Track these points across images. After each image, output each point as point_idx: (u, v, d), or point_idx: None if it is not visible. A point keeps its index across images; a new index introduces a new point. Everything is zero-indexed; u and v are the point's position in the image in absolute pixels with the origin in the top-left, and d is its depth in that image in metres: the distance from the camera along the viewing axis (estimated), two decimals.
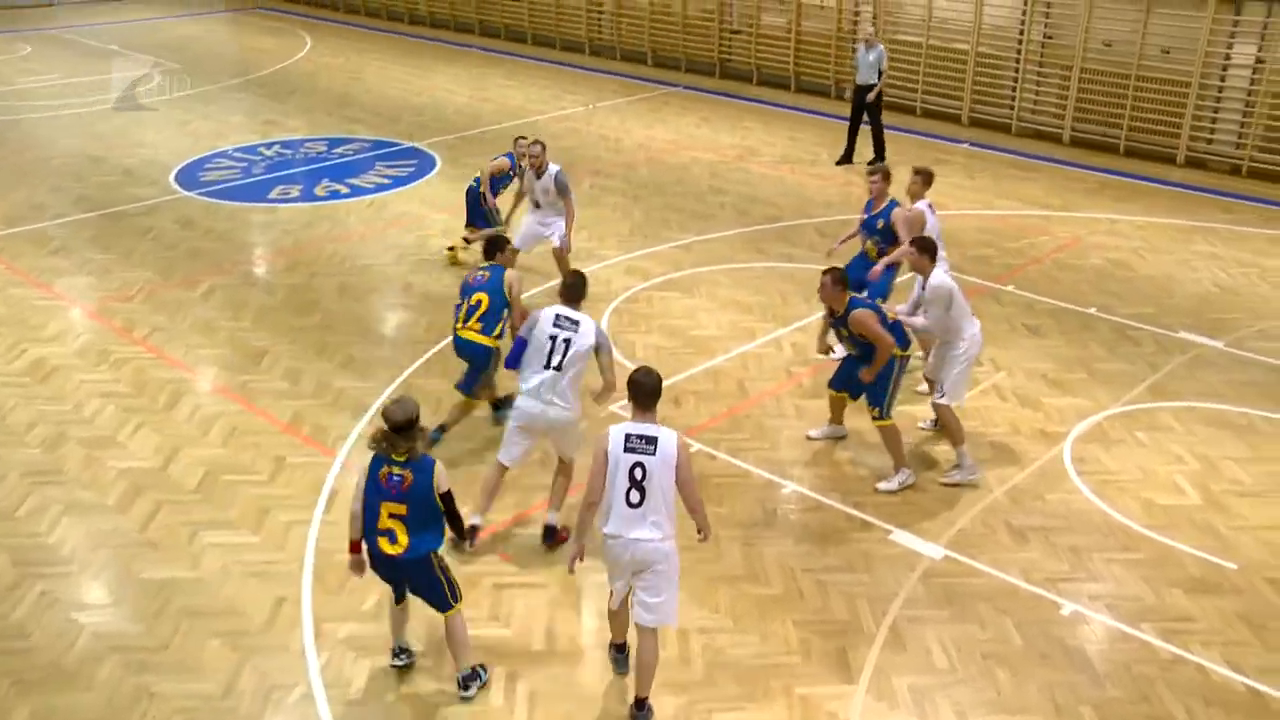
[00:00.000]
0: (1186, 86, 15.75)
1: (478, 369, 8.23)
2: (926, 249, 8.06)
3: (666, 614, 5.87)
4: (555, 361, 7.12)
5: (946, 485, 8.11)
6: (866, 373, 7.87)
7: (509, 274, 8.11)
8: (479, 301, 8.05)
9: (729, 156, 16.23)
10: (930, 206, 9.41)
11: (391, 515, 5.80)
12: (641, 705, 6.02)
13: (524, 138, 11.57)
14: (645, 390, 5.77)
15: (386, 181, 14.85)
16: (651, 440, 5.70)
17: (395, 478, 5.79)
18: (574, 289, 7.28)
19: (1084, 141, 16.93)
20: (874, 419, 8.04)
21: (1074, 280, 11.87)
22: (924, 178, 9.51)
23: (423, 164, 15.67)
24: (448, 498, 5.84)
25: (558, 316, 7.17)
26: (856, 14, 19.39)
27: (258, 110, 18.42)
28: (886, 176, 9.51)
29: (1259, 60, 15.28)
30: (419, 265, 12.05)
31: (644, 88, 20.35)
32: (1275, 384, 9.65)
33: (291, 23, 26.02)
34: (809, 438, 8.67)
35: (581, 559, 5.98)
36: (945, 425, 8.19)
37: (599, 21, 22.81)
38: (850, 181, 15.09)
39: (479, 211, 11.85)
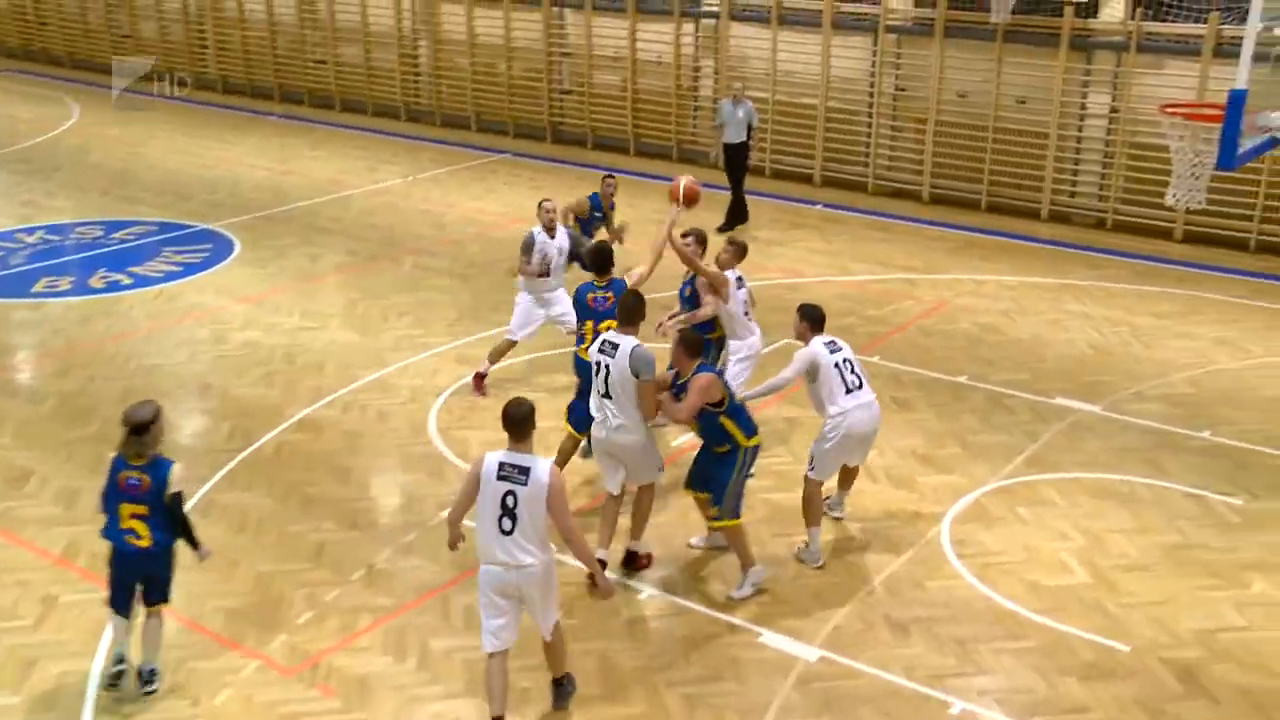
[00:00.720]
0: (1045, 138, 16.81)
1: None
2: (808, 317, 8.45)
3: (554, 620, 6.79)
4: (602, 388, 7.88)
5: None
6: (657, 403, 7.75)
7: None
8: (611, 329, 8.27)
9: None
10: (740, 279, 9.64)
11: (134, 515, 6.83)
12: (560, 682, 7.01)
13: (611, 177, 12.77)
14: (515, 420, 6.49)
15: (176, 269, 14.46)
16: (525, 470, 6.41)
17: (133, 480, 6.81)
18: (631, 309, 7.98)
19: (944, 199, 17.81)
20: (710, 519, 7.93)
21: (942, 347, 12.34)
22: (737, 249, 9.71)
23: (219, 248, 15.32)
24: (176, 500, 6.84)
25: (603, 342, 7.94)
26: (697, 70, 20.08)
27: (14, 190, 17.75)
28: (701, 240, 9.80)
29: (1114, 109, 16.46)
30: (218, 363, 11.72)
31: (468, 155, 20.49)
32: (1154, 448, 10.20)
33: (55, 88, 25.25)
34: (690, 546, 8.61)
35: (456, 545, 6.79)
36: (805, 500, 8.34)
37: (415, 84, 22.96)
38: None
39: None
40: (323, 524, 8.95)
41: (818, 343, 8.39)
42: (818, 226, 16.69)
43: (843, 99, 18.62)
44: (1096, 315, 13.31)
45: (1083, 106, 16.80)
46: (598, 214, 12.49)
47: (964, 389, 11.30)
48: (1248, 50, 7.56)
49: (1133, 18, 15.81)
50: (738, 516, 7.94)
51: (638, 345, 7.81)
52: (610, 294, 9.05)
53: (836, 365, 8.31)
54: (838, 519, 9.01)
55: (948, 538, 8.79)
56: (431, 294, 13.68)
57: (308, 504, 9.23)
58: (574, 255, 10.91)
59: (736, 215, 16.27)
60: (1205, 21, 15.18)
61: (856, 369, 8.42)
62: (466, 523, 6.73)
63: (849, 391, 8.32)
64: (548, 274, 10.93)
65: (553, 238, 10.91)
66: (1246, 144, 8.11)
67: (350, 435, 10.32)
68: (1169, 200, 9.48)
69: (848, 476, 8.99)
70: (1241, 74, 7.61)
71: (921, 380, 11.49)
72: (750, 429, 7.88)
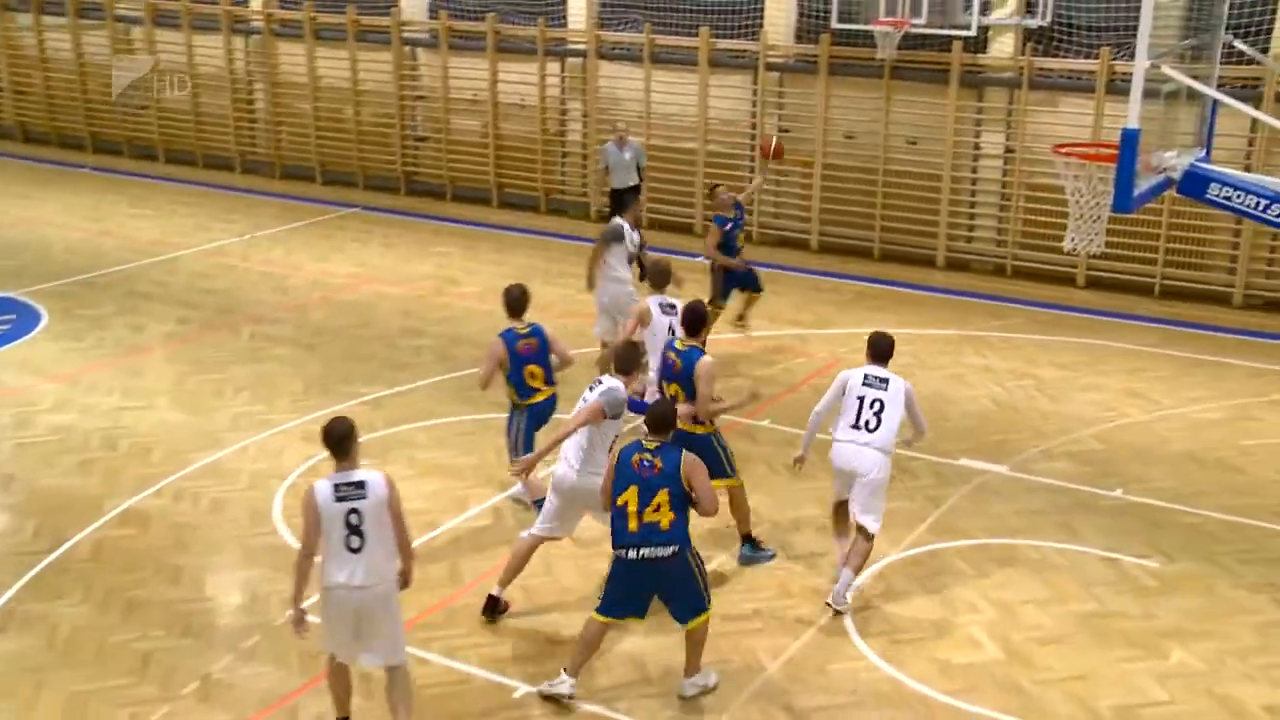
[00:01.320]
0: (938, 180, 17.36)
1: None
2: (869, 343, 9.31)
3: (400, 650, 7.37)
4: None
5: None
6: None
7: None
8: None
9: (424, 289, 16.31)
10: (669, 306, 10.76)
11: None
12: None
13: (719, 185, 13.99)
14: (335, 437, 7.13)
15: None
16: (360, 484, 7.09)
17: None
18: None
19: (834, 247, 18.20)
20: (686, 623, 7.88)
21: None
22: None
23: (23, 319, 14.84)
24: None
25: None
26: (564, 113, 20.27)
27: None
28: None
29: (1009, 149, 17.09)
30: (22, 452, 11.29)
31: (313, 210, 20.30)
32: (1065, 509, 10.48)
33: None
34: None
35: (302, 621, 7.15)
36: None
37: (251, 133, 22.70)
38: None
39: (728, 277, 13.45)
40: (150, 631, 8.64)
41: (859, 371, 9.08)
42: (699, 280, 16.87)
43: (724, 142, 18.98)
44: (999, 368, 13.69)
45: (976, 146, 17.43)
46: (738, 213, 13.70)
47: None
48: (1137, 87, 7.90)
49: (1023, 52, 16.50)
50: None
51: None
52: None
53: (860, 398, 8.94)
54: (839, 612, 8.90)
55: (850, 615, 8.85)
56: (273, 365, 13.44)
57: (132, 609, 8.90)
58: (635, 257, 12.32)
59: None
60: (1097, 56, 15.93)
61: (883, 414, 8.87)
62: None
63: (854, 426, 8.94)
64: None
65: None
66: (1142, 185, 8.45)
67: (181, 528, 10.02)
68: (1067, 246, 9.84)
69: (856, 547, 8.97)
70: (1133, 112, 7.94)
71: (816, 444, 11.62)
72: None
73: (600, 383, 8.76)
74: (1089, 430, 12.02)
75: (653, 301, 10.73)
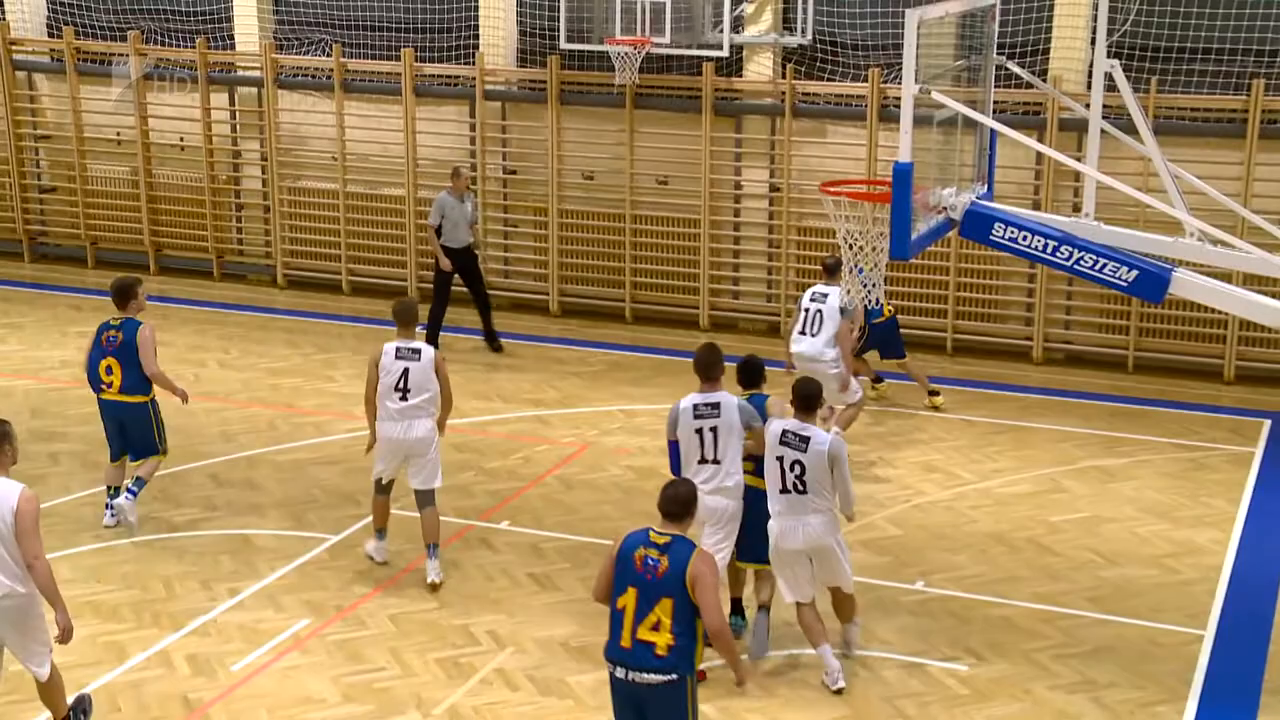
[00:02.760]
0: (696, 226, 17.93)
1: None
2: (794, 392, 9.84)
3: (44, 660, 8.57)
4: (709, 455, 9.77)
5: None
6: None
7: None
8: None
9: (61, 380, 15.87)
10: None
11: None
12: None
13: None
14: None
15: None
16: None
17: None
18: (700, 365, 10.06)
19: (578, 309, 18.57)
20: None
21: (591, 502, 12.81)
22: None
23: None
24: None
25: (696, 406, 9.86)
26: (237, 155, 20.09)
27: None
28: None
29: (773, 188, 17.85)
30: None
31: None
32: (864, 609, 10.87)
33: None
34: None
35: None
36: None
37: None
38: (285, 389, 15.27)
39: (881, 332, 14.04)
40: None
41: (777, 424, 9.53)
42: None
43: (437, 186, 19.13)
44: None
45: (737, 185, 18.13)
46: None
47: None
48: (907, 115, 8.48)
49: (783, 75, 17.32)
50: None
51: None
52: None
53: (779, 458, 9.43)
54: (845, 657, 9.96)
55: None
56: None
57: None
58: None
59: (491, 336, 17.23)
60: (866, 79, 16.85)
61: (806, 477, 9.41)
62: None
63: (782, 491, 9.44)
64: None
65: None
66: (921, 227, 9.05)
67: None
68: (841, 299, 10.37)
69: (840, 604, 10.09)
70: (904, 144, 8.51)
71: (566, 549, 11.82)
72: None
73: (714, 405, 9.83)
74: (882, 514, 12.58)
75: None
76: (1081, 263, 8.98)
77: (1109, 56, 9.56)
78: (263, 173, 19.83)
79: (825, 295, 13.37)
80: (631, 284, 18.41)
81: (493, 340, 17.30)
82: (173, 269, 20.39)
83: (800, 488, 9.42)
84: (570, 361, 16.97)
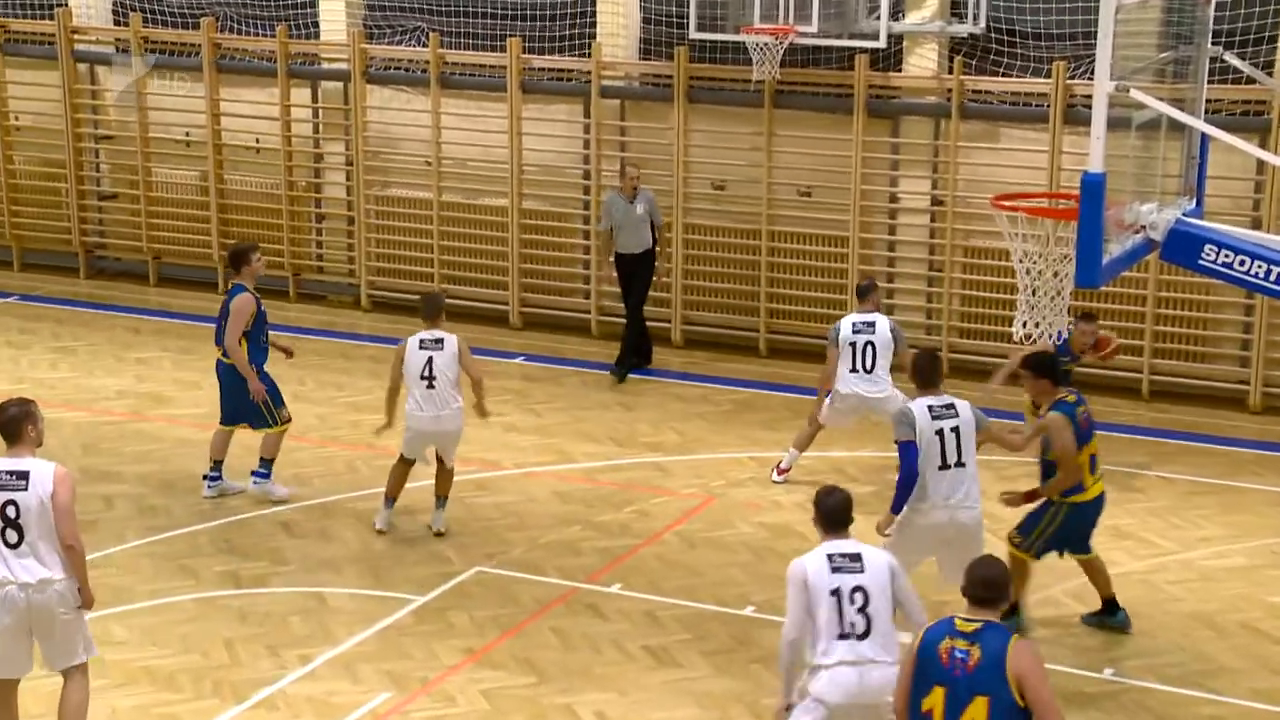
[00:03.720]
0: (844, 245, 17.74)
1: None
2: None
3: (77, 650, 9.17)
4: (955, 458, 10.51)
5: None
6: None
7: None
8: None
9: (118, 413, 16.12)
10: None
11: None
12: None
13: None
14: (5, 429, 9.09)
15: None
16: (23, 475, 8.91)
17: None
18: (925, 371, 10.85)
19: (702, 340, 18.45)
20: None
21: (717, 565, 12.64)
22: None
23: None
24: None
25: (930, 407, 10.65)
26: (319, 159, 20.26)
27: None
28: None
29: (936, 201, 17.61)
30: None
31: None
32: None
33: None
34: None
35: None
36: None
37: None
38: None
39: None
40: None
41: (817, 554, 8.42)
42: (519, 389, 16.91)
43: (545, 196, 19.18)
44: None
45: (893, 199, 17.93)
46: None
47: (753, 626, 11.55)
48: (1100, 117, 8.23)
49: (950, 70, 17.11)
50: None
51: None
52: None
53: (835, 592, 8.29)
54: None
55: None
56: None
57: None
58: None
59: (638, 352, 17.50)
60: (1048, 74, 16.56)
61: (870, 607, 8.30)
62: None
63: (841, 637, 8.27)
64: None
65: None
66: (1114, 249, 8.79)
67: None
68: (1017, 332, 10.13)
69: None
70: (1095, 150, 8.27)
71: (687, 617, 11.68)
72: None
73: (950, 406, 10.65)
74: (1062, 587, 12.28)
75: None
76: None
77: None
78: (347, 179, 19.96)
79: (871, 324, 13.66)
80: (767, 311, 18.26)
81: (621, 366, 17.40)
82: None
83: (862, 628, 8.38)
84: (694, 400, 16.84)
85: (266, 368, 13.69)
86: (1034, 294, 10.09)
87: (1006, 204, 10.23)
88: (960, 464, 10.55)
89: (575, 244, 19.14)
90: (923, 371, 10.87)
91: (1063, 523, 11.20)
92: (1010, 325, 10.57)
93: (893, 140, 17.78)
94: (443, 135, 19.20)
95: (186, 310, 19.75)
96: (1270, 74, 15.21)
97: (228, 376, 13.62)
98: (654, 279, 17.46)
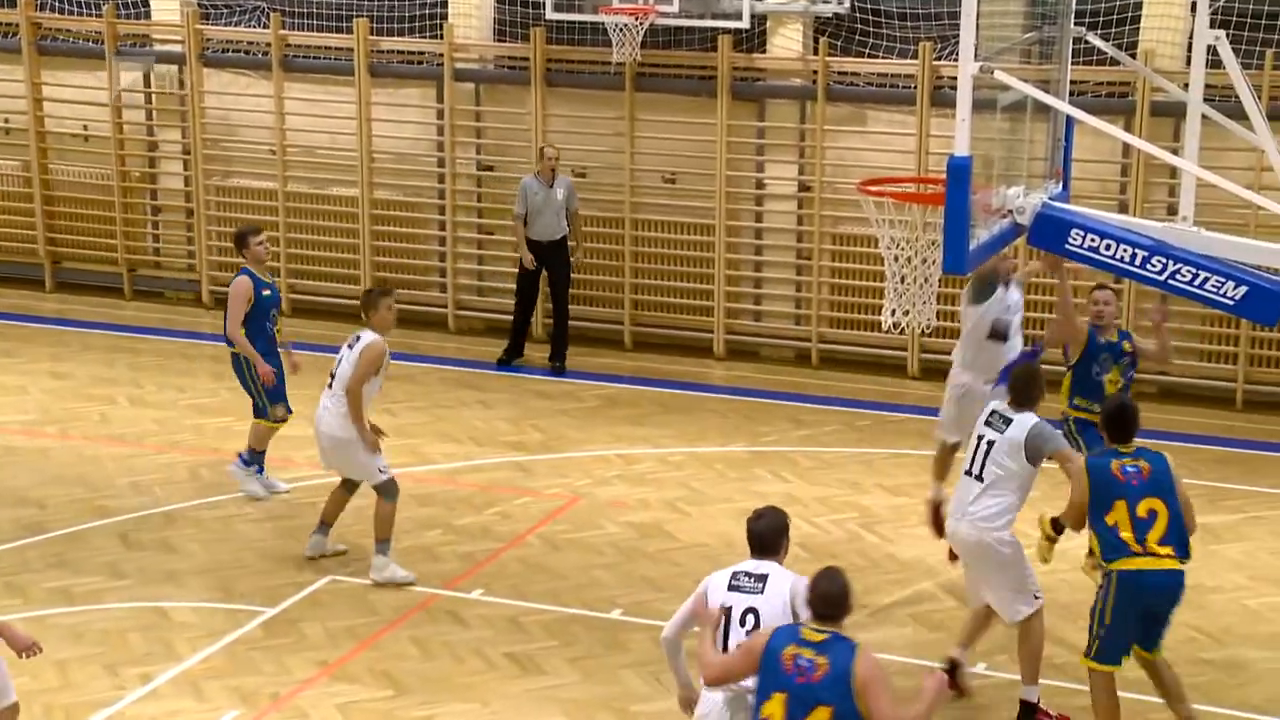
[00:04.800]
0: (709, 232, 17.92)
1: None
2: None
3: None
4: (975, 469, 10.38)
5: None
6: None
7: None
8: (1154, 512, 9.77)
9: None
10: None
11: None
12: None
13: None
14: None
15: None
16: None
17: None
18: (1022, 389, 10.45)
19: (584, 335, 18.46)
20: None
21: (582, 568, 12.72)
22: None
23: None
24: None
25: (990, 413, 10.53)
26: (153, 147, 20.06)
27: None
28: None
29: (804, 187, 17.83)
30: None
31: None
32: (909, 695, 10.83)
33: None
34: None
35: None
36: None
37: None
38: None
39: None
40: None
41: (725, 573, 8.53)
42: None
43: (397, 185, 19.16)
44: (806, 496, 14.11)
45: (760, 184, 18.12)
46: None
47: (621, 630, 11.63)
48: (964, 98, 8.41)
49: (816, 51, 17.32)
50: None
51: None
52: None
53: (727, 610, 8.37)
54: None
55: None
56: None
57: None
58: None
59: (515, 347, 17.72)
60: (915, 55, 16.83)
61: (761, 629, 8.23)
62: None
63: None
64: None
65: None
66: (981, 234, 8.98)
67: None
68: (886, 321, 10.30)
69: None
70: (961, 134, 8.45)
71: (553, 623, 11.74)
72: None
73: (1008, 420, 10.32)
74: (936, 580, 12.50)
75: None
76: (1178, 277, 8.91)
77: (1213, 26, 9.53)
78: (185, 168, 19.82)
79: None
80: (632, 303, 18.40)
81: (557, 358, 17.65)
82: (74, 285, 20.40)
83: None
84: (558, 396, 16.93)
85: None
86: (902, 281, 10.26)
87: (873, 189, 10.37)
88: (978, 477, 10.37)
89: (430, 235, 19.14)
90: (1013, 389, 10.59)
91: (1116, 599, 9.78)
92: (880, 314, 10.74)
93: (758, 124, 17.98)
94: (287, 121, 19.13)
95: (10, 310, 19.47)
96: (1134, 55, 15.54)
97: (240, 368, 13.75)
98: (570, 271, 17.63)
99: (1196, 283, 8.92)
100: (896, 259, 10.17)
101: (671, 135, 18.14)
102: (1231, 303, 8.92)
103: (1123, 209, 15.86)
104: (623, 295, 18.39)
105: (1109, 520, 9.70)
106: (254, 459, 13.80)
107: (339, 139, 19.02)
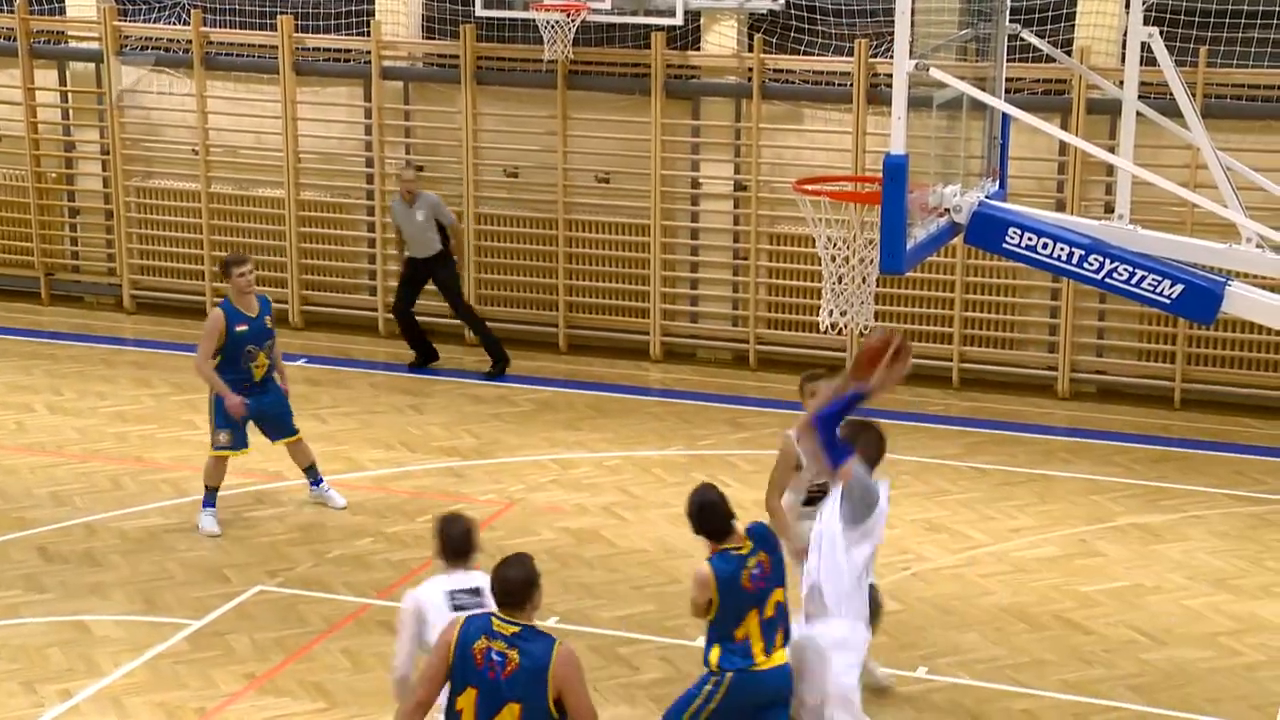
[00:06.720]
0: (644, 232, 17.99)
1: None
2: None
3: None
4: None
5: None
6: None
7: None
8: None
9: None
10: None
11: None
12: None
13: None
14: None
15: None
16: None
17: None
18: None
19: (498, 337, 18.42)
20: None
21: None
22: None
23: None
24: None
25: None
26: (70, 147, 19.96)
27: None
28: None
29: (740, 186, 17.92)
30: None
31: None
32: None
33: None
34: None
35: None
36: None
37: None
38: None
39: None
40: None
41: (435, 584, 8.70)
42: (302, 394, 16.86)
43: (324, 186, 19.14)
44: (746, 500, 14.17)
45: (695, 183, 18.22)
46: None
47: (563, 637, 11.67)
48: (900, 96, 8.51)
49: (750, 48, 17.42)
50: None
51: None
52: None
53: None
54: None
55: None
56: None
57: None
58: None
59: (427, 351, 17.72)
60: (850, 53, 16.96)
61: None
62: None
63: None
64: None
65: None
66: (918, 234, 9.09)
67: None
68: (823, 322, 10.39)
69: None
70: (896, 132, 8.56)
71: None
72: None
73: None
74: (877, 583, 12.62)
75: None
76: (1115, 276, 9.02)
77: (1147, 23, 9.65)
78: (104, 169, 19.76)
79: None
80: (566, 305, 18.46)
81: (498, 363, 17.76)
82: None
83: None
84: (491, 400, 16.97)
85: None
86: (839, 281, 10.35)
87: (810, 188, 10.46)
88: None
89: (359, 236, 19.16)
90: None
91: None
92: (818, 314, 10.82)
93: (693, 122, 18.07)
94: (209, 121, 19.09)
95: None
96: (1069, 53, 15.72)
97: (211, 396, 13.43)
98: (459, 280, 17.72)
99: (1133, 281, 9.04)
100: (834, 259, 10.26)
101: (605, 134, 18.20)
102: (1168, 301, 9.05)
103: (1060, 207, 16.05)
104: (557, 297, 18.44)
105: None
106: (208, 497, 13.42)
107: (264, 139, 19.00)
